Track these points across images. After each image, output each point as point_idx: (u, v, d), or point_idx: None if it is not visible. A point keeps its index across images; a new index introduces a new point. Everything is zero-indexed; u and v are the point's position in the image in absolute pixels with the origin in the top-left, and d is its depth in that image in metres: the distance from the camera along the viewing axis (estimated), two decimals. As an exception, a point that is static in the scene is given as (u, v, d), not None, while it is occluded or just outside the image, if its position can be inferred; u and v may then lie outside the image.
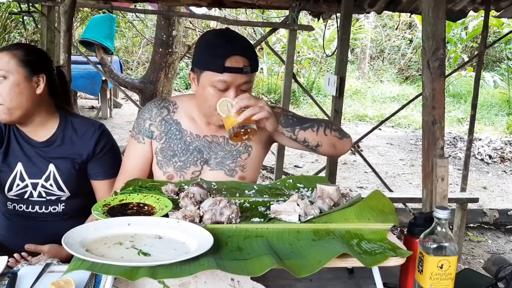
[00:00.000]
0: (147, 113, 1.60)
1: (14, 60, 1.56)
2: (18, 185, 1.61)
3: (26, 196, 1.63)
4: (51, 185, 1.62)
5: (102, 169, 1.68)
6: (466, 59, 10.19)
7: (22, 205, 1.64)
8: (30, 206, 1.64)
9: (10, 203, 1.65)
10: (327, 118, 1.57)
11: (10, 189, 1.62)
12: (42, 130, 1.64)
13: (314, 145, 1.51)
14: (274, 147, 3.25)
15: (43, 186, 1.62)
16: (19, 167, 1.62)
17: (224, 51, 1.42)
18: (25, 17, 4.29)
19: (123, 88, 4.81)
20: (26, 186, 1.62)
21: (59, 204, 1.66)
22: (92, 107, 8.59)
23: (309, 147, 1.53)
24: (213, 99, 1.44)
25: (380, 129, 7.39)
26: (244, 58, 1.42)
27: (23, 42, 9.22)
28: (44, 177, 1.62)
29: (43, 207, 1.65)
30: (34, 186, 1.62)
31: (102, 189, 1.69)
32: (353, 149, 4.56)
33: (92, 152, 1.66)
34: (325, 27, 6.14)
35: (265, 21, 8.18)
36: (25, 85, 1.55)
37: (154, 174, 1.62)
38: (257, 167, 1.65)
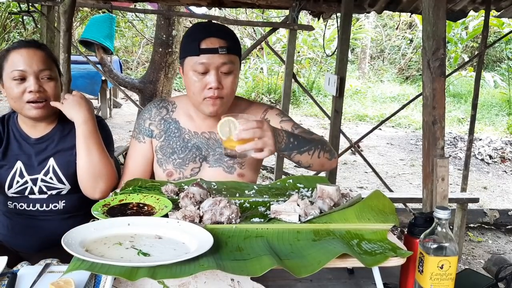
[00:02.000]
0: (147, 113, 1.64)
1: (50, 59, 1.62)
2: (18, 181, 1.62)
3: (26, 193, 1.63)
4: (51, 178, 1.63)
5: None
6: (467, 59, 10.19)
7: (23, 204, 1.64)
8: (31, 205, 1.64)
9: (11, 202, 1.65)
10: (322, 137, 1.53)
11: (10, 186, 1.62)
12: (43, 127, 1.66)
13: (305, 166, 1.51)
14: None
15: (43, 180, 1.62)
16: (19, 164, 1.63)
17: (199, 35, 1.47)
18: (24, 17, 4.28)
19: (122, 88, 4.80)
20: (26, 182, 1.62)
21: (59, 201, 1.66)
22: (92, 107, 8.58)
23: (300, 166, 1.53)
24: (195, 84, 1.48)
25: (380, 129, 7.40)
26: (219, 39, 1.46)
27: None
28: (43, 171, 1.62)
29: (44, 204, 1.65)
30: (34, 181, 1.62)
31: None
32: (353, 149, 4.55)
33: None
34: (325, 27, 6.14)
35: (265, 21, 8.18)
36: (59, 83, 1.64)
37: (155, 172, 1.64)
38: (256, 165, 1.65)
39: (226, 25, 1.65)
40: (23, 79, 1.54)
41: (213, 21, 1.58)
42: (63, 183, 1.64)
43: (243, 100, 1.69)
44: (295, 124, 1.62)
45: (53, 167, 1.63)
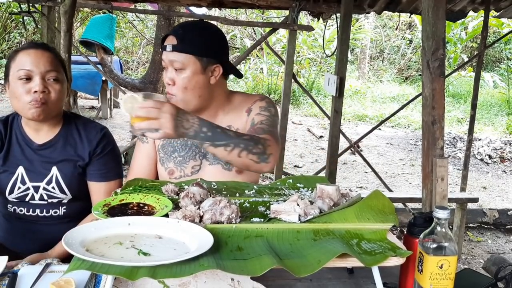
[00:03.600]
0: None
1: (58, 61, 1.60)
2: (19, 188, 1.60)
3: (27, 199, 1.61)
4: (53, 187, 1.61)
5: (99, 170, 1.65)
6: (466, 59, 10.20)
7: (22, 208, 1.63)
8: (31, 210, 1.63)
9: (11, 205, 1.64)
10: (263, 139, 1.42)
11: (11, 192, 1.60)
12: (46, 132, 1.62)
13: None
14: (274, 147, 3.26)
15: (45, 189, 1.60)
16: (20, 170, 1.60)
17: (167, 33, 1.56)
18: (25, 17, 4.28)
19: (123, 88, 4.81)
20: (28, 189, 1.60)
21: (60, 207, 1.64)
22: (92, 107, 8.59)
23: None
24: (164, 76, 1.58)
25: (380, 129, 7.39)
26: (173, 37, 1.51)
27: (24, 42, 9.21)
28: (45, 180, 1.60)
29: (44, 210, 1.63)
30: (36, 189, 1.60)
31: (97, 192, 1.65)
32: (353, 149, 4.56)
33: (92, 152, 1.64)
34: (325, 27, 6.14)
35: (265, 21, 8.19)
36: (66, 87, 1.62)
37: (158, 171, 1.66)
38: None
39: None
40: (28, 78, 1.51)
41: (194, 20, 1.62)
42: (65, 193, 1.62)
43: (238, 93, 1.69)
44: (267, 119, 1.56)
45: (56, 176, 1.60)
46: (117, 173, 1.69)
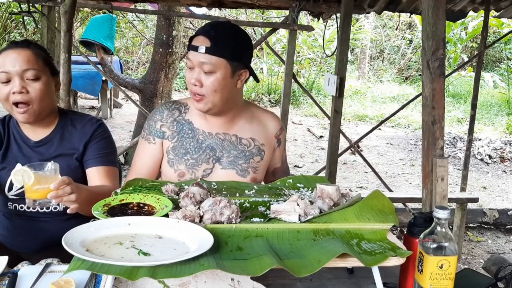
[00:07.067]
0: (158, 115, 1.64)
1: (38, 58, 1.59)
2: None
3: None
4: None
5: (94, 155, 1.65)
6: (466, 59, 10.20)
7: (23, 205, 1.64)
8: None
9: (11, 203, 1.65)
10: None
11: (10, 189, 1.62)
12: (41, 129, 1.65)
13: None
14: (274, 147, 3.26)
15: None
16: (18, 167, 1.61)
17: (196, 32, 1.52)
18: (25, 17, 4.29)
19: (123, 88, 4.80)
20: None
21: (60, 203, 1.65)
22: (92, 107, 8.59)
23: None
24: (186, 78, 1.54)
25: (380, 129, 7.39)
26: (205, 38, 1.47)
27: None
28: None
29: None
30: None
31: (94, 177, 1.65)
32: (353, 149, 4.56)
33: (88, 141, 1.65)
34: (325, 27, 6.13)
35: (265, 21, 8.19)
36: (51, 82, 1.62)
37: (163, 173, 1.65)
38: (266, 170, 1.71)
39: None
40: (8, 80, 1.53)
41: (221, 20, 1.61)
42: None
43: (254, 105, 1.73)
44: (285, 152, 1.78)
45: None
46: (112, 160, 1.69)
